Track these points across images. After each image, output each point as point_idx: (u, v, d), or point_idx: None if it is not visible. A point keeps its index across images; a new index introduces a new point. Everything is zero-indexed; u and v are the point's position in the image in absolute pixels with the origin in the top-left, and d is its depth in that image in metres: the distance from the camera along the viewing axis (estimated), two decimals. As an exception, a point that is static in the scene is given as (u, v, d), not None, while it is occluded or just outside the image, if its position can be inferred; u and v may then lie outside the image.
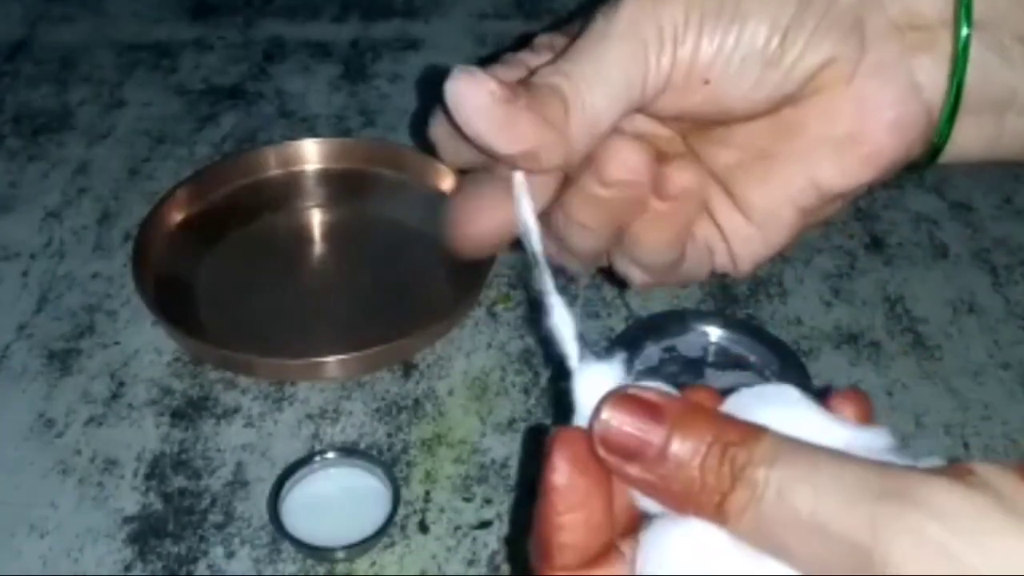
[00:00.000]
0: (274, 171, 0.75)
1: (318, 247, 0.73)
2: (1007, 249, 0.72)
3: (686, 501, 0.26)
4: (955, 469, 0.24)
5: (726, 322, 0.65)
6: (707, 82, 0.35)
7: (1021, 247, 0.72)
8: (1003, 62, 0.36)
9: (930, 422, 0.60)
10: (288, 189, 0.74)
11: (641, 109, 0.36)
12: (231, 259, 0.69)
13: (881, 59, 0.35)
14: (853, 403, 0.29)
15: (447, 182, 0.73)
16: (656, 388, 0.28)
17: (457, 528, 0.53)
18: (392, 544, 0.53)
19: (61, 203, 0.74)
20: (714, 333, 0.64)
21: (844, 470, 0.25)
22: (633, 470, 0.27)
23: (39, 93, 0.85)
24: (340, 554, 0.51)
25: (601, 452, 0.27)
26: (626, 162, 0.35)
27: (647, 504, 0.28)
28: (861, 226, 0.74)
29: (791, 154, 0.36)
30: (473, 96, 0.32)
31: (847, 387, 0.29)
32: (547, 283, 0.33)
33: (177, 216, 0.70)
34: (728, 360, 0.63)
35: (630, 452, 0.27)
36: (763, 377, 0.62)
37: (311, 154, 0.75)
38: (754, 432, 0.26)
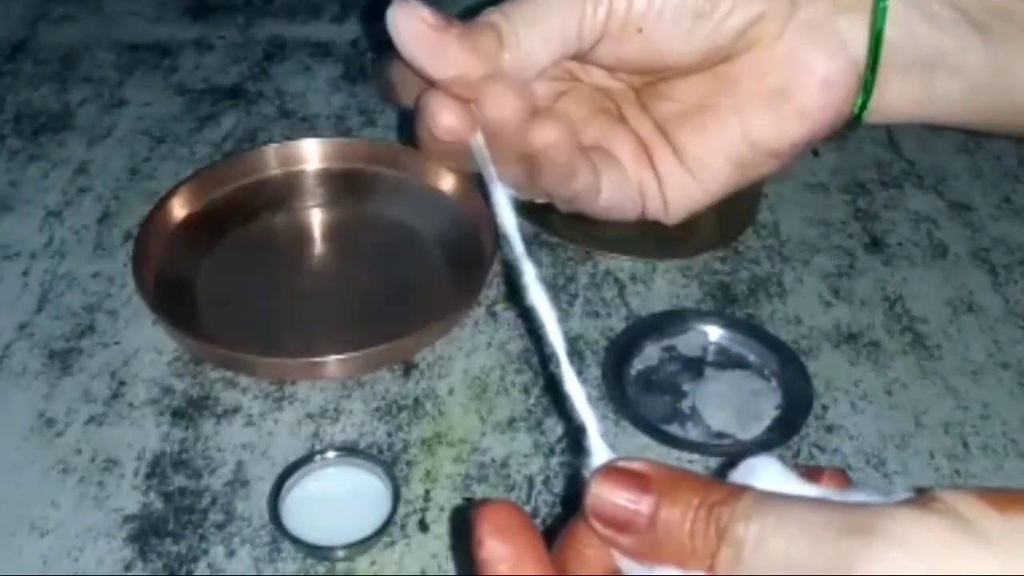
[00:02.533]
0: (274, 171, 0.75)
1: (318, 247, 0.73)
2: (1006, 249, 0.72)
3: (678, 567, 0.27)
4: (921, 499, 0.25)
5: (726, 321, 0.65)
6: (640, 31, 0.37)
7: (1020, 246, 0.73)
8: (930, 24, 0.37)
9: (929, 421, 0.60)
10: (288, 189, 0.74)
11: (580, 56, 0.38)
12: (231, 259, 0.69)
13: (810, 17, 0.37)
14: (834, 481, 0.29)
15: (447, 182, 0.73)
16: (642, 459, 0.29)
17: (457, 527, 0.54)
18: (392, 543, 0.53)
19: (61, 203, 0.74)
20: (714, 332, 0.64)
21: (812, 514, 0.25)
22: (626, 540, 0.28)
23: (39, 93, 0.85)
24: (340, 553, 0.51)
25: (595, 526, 0.28)
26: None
27: (628, 567, 0.28)
28: (860, 226, 0.74)
29: (726, 108, 0.38)
30: (407, 22, 0.35)
31: (831, 468, 0.30)
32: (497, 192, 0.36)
33: (177, 216, 0.70)
34: (728, 359, 0.63)
35: (622, 523, 0.27)
36: (762, 376, 0.62)
37: (311, 154, 0.75)
38: (737, 492, 0.27)
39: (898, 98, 0.38)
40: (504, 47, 0.36)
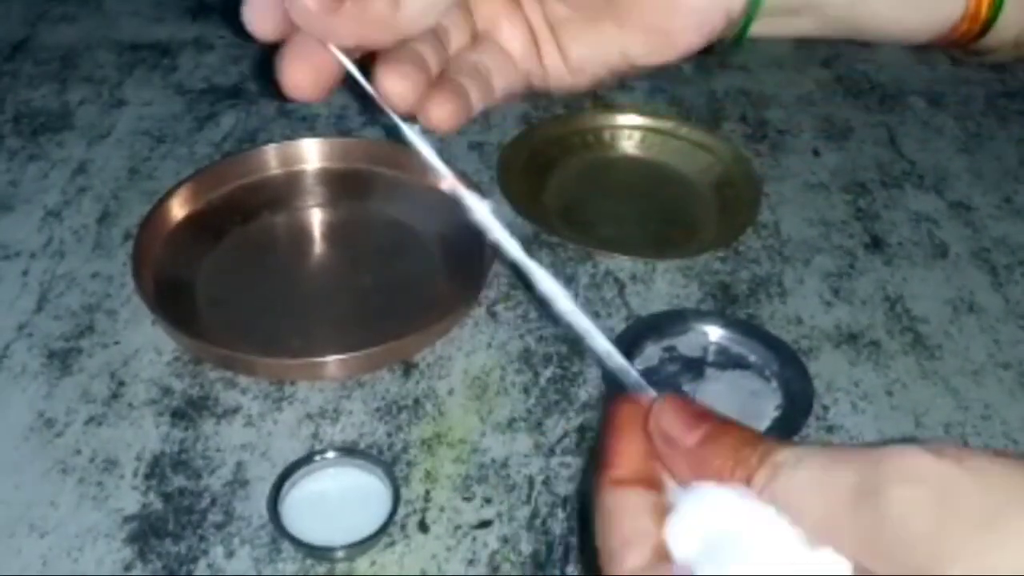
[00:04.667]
0: (274, 170, 0.75)
1: (318, 247, 0.73)
2: (1007, 249, 0.72)
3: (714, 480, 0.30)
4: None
5: (726, 322, 0.65)
6: None
7: (1021, 246, 0.73)
8: None
9: (930, 422, 0.60)
10: (288, 189, 0.74)
11: None
12: (231, 259, 0.69)
13: None
14: None
15: (447, 182, 0.73)
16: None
17: (457, 528, 0.53)
18: (392, 543, 0.53)
19: (61, 202, 0.74)
20: (714, 333, 0.64)
21: (855, 452, 0.28)
22: (667, 449, 0.31)
23: (39, 93, 0.85)
24: (340, 553, 0.51)
25: (652, 425, 0.32)
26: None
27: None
28: (861, 226, 0.74)
29: (610, 26, 0.43)
30: (298, 9, 0.38)
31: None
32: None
33: (177, 215, 0.70)
34: (728, 360, 0.63)
35: (670, 437, 0.31)
36: (763, 376, 0.62)
37: (311, 153, 0.75)
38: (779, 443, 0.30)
39: (757, 32, 0.43)
40: (398, 6, 0.39)
